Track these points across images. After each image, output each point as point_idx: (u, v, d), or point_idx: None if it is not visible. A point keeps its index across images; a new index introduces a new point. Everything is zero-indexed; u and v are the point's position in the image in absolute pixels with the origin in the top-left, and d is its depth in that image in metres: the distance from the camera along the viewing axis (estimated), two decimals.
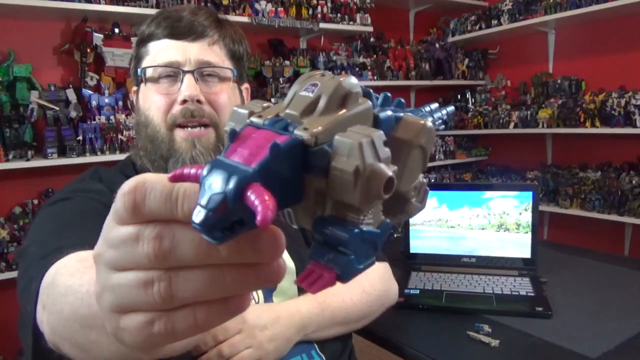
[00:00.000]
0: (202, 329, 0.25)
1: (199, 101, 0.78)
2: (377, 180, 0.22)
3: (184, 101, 0.77)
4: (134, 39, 2.24)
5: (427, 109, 0.35)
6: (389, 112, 0.26)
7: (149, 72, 0.80)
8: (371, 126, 0.24)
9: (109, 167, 0.88)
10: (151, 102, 0.80)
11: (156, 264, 0.24)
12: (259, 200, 0.20)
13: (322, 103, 0.24)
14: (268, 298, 0.83)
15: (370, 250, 0.23)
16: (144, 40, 0.82)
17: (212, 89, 0.80)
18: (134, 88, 0.87)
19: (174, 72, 0.79)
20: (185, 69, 0.78)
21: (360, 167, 0.21)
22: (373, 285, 0.93)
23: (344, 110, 0.24)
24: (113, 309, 0.26)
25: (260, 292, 0.83)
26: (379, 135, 0.22)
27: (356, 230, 0.22)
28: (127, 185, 0.24)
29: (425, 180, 0.28)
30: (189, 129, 0.78)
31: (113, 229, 0.25)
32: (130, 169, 0.86)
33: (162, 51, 0.80)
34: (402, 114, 0.26)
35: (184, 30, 0.79)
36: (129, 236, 0.24)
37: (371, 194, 0.22)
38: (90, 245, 0.37)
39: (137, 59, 0.84)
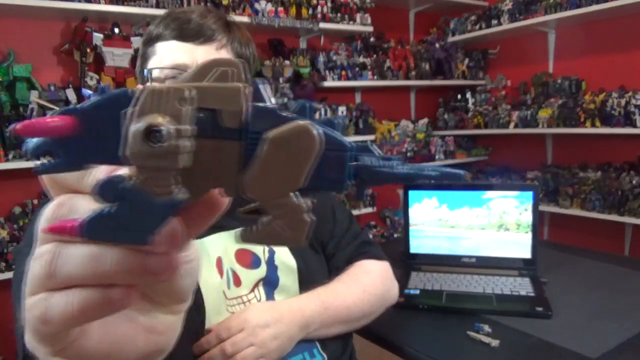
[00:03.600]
0: (76, 319, 0.22)
1: None
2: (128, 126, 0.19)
3: None
4: (134, 39, 2.25)
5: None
6: (283, 113, 0.21)
7: (155, 73, 0.80)
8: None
9: None
10: None
11: (49, 236, 0.23)
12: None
13: (186, 74, 0.22)
14: (270, 296, 0.83)
15: (139, 220, 0.19)
16: (151, 40, 0.82)
17: None
18: (139, 87, 0.86)
19: (180, 75, 0.79)
20: None
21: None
22: (374, 284, 0.93)
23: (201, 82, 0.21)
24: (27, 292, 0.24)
25: (262, 289, 0.83)
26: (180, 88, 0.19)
27: (110, 180, 0.19)
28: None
29: (306, 204, 0.21)
30: None
31: None
32: None
33: (169, 53, 0.79)
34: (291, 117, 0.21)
35: (193, 32, 0.79)
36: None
37: (133, 145, 0.19)
38: None
39: (144, 58, 0.83)
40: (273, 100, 0.22)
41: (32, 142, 0.21)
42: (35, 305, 0.23)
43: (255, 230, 0.22)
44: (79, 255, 0.21)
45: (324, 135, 0.21)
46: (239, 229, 0.23)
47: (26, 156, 0.22)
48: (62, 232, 0.21)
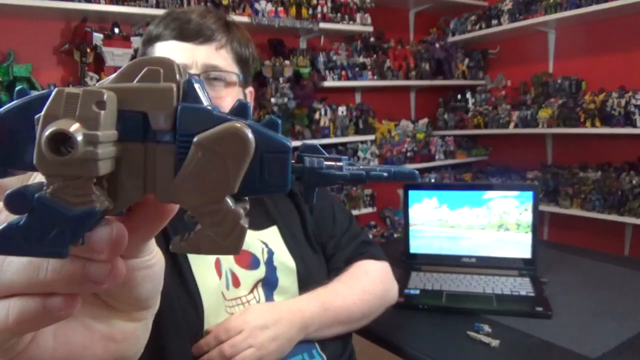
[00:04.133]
0: (14, 329, 0.21)
1: None
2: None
3: None
4: (133, 39, 2.25)
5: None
6: (217, 114, 0.20)
7: None
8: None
9: None
10: None
11: None
12: None
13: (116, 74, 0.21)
14: (269, 297, 0.83)
15: (47, 230, 0.18)
16: (151, 40, 0.82)
17: (218, 93, 0.80)
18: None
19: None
20: (192, 71, 0.77)
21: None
22: (374, 285, 0.93)
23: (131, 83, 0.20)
24: None
25: (261, 290, 0.83)
26: (96, 92, 0.18)
27: (17, 191, 0.18)
28: None
29: (239, 210, 0.20)
30: None
31: None
32: None
33: (169, 53, 0.79)
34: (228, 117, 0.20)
35: (192, 32, 0.79)
36: None
37: (39, 153, 0.18)
38: None
39: None
40: (207, 100, 0.21)
41: None
42: None
43: (186, 239, 0.20)
44: (17, 263, 0.20)
45: (263, 136, 0.20)
46: (176, 237, 0.21)
47: None
48: None
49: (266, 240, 0.86)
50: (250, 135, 0.19)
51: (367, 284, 0.91)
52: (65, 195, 0.18)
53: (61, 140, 0.17)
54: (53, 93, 0.18)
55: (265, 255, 0.85)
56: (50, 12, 2.09)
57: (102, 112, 0.18)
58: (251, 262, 0.83)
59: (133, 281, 0.24)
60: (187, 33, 0.79)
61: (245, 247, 0.83)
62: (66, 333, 0.24)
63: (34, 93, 0.20)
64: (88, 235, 0.19)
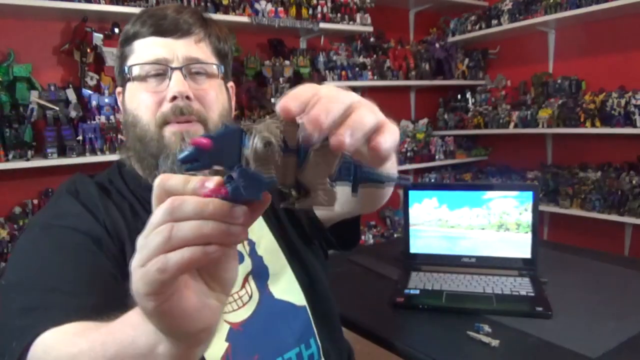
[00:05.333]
0: (188, 266, 0.36)
1: (188, 98, 0.76)
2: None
3: (174, 98, 0.76)
4: None
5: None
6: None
7: (136, 70, 0.78)
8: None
9: (103, 168, 0.88)
10: (139, 101, 0.78)
11: (166, 217, 0.36)
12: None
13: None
14: (263, 289, 0.82)
15: (255, 186, 0.34)
16: (128, 39, 0.81)
17: (201, 85, 0.80)
18: (119, 89, 0.85)
19: (162, 70, 0.77)
20: (173, 65, 0.77)
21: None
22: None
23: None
24: (137, 265, 0.37)
25: (252, 283, 0.82)
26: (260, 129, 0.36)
27: (243, 169, 0.34)
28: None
29: (335, 188, 0.37)
30: (178, 124, 0.78)
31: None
32: (115, 173, 0.85)
33: (148, 49, 0.79)
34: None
35: (170, 27, 0.79)
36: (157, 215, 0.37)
37: (254, 153, 0.35)
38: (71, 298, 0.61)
39: (122, 58, 0.82)
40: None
41: (183, 153, 0.34)
42: (154, 264, 0.36)
43: (299, 200, 0.37)
44: (188, 226, 0.36)
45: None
46: (289, 199, 0.38)
47: (176, 164, 0.36)
48: (217, 193, 0.35)
49: None
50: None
51: None
52: (263, 171, 0.35)
53: (267, 143, 0.34)
54: (259, 124, 0.36)
55: (247, 247, 0.84)
56: (50, 12, 2.09)
57: (280, 134, 0.35)
58: None
59: (229, 257, 0.41)
60: (165, 28, 0.78)
61: None
62: (189, 296, 0.39)
63: (230, 125, 0.36)
64: (233, 208, 0.36)
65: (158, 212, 0.37)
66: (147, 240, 0.37)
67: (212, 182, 0.36)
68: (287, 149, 0.36)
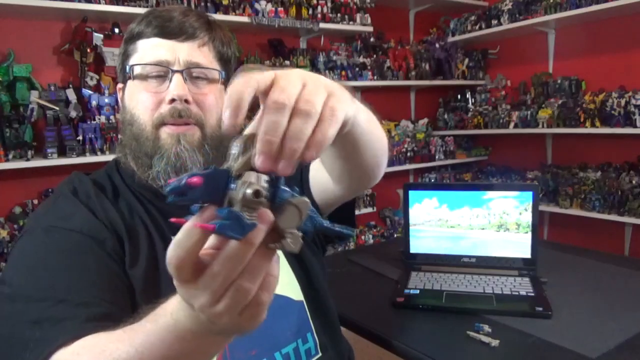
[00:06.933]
0: (243, 297, 0.40)
1: (186, 101, 0.77)
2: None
3: (172, 100, 0.76)
4: None
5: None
6: (290, 191, 0.42)
7: (137, 70, 0.79)
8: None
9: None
10: (138, 100, 0.79)
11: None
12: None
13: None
14: None
15: (238, 226, 0.37)
16: (133, 38, 0.82)
17: (201, 89, 0.80)
18: (119, 86, 0.86)
19: (163, 72, 0.78)
20: (175, 68, 0.78)
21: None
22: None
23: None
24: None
25: None
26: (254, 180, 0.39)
27: (229, 210, 0.37)
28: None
29: (300, 234, 0.41)
30: (175, 126, 0.78)
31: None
32: (113, 170, 0.85)
33: (151, 49, 0.79)
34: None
35: (175, 30, 0.79)
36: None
37: (243, 199, 0.38)
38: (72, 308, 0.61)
39: (125, 56, 0.83)
40: (288, 187, 0.42)
41: (172, 185, 0.37)
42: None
43: (281, 244, 0.41)
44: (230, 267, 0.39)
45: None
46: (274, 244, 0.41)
47: (167, 193, 0.38)
48: (207, 229, 0.37)
49: None
50: (309, 203, 0.41)
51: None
52: (247, 214, 0.37)
53: (257, 193, 0.38)
54: (252, 173, 0.39)
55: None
56: (50, 12, 2.09)
57: (267, 185, 0.39)
58: None
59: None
60: (170, 30, 0.79)
61: None
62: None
63: (217, 168, 0.39)
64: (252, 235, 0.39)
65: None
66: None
67: (204, 219, 0.39)
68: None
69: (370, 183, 0.81)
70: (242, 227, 0.37)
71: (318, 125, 0.40)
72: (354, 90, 3.25)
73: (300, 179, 0.88)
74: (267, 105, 0.40)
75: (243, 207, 0.37)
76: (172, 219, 0.39)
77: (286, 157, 0.39)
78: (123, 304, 0.67)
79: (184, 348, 0.46)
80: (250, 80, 0.40)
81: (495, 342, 0.98)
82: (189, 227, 0.38)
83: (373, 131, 0.69)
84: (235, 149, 0.41)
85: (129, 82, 0.81)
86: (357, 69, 3.02)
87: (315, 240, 0.94)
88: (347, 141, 0.63)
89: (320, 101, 0.41)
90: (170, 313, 0.46)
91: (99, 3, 2.11)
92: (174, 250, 0.38)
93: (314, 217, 0.44)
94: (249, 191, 0.37)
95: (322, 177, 0.83)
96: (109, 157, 2.10)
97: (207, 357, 0.51)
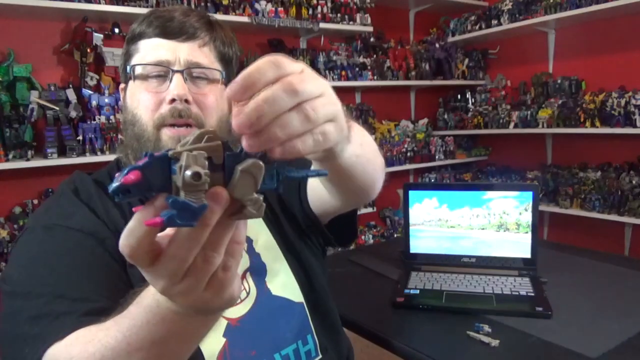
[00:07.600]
0: (203, 274, 0.39)
1: (187, 101, 0.77)
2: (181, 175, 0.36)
3: (172, 100, 0.76)
4: None
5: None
6: (242, 154, 0.39)
7: (138, 70, 0.80)
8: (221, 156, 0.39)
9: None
10: (139, 100, 0.79)
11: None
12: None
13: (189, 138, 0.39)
14: (261, 285, 0.83)
15: (188, 213, 0.35)
16: (134, 38, 0.82)
17: (201, 90, 0.80)
18: (122, 86, 0.86)
19: (164, 72, 0.78)
20: (175, 68, 0.78)
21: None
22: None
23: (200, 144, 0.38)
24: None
25: (250, 280, 0.82)
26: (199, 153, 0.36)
27: (174, 199, 0.35)
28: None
29: (261, 197, 0.39)
30: (176, 127, 0.78)
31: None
32: (115, 170, 0.86)
33: (152, 49, 0.79)
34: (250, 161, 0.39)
35: (176, 30, 0.79)
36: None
37: (183, 185, 0.36)
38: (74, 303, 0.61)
39: (127, 56, 0.83)
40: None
41: (113, 186, 0.35)
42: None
43: (238, 213, 0.40)
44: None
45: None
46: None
47: (111, 194, 0.36)
48: (155, 225, 0.36)
49: None
50: (262, 165, 0.39)
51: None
52: (192, 199, 0.35)
53: (196, 175, 0.35)
54: (185, 155, 0.35)
55: (245, 244, 0.84)
56: (50, 12, 2.09)
57: (206, 162, 0.36)
58: None
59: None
60: (171, 30, 0.79)
61: None
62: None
63: (156, 154, 0.36)
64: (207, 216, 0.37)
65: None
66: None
67: (155, 208, 0.37)
68: (212, 166, 0.38)
69: (367, 200, 0.82)
70: (192, 213, 0.35)
71: (305, 134, 0.40)
72: (354, 90, 3.26)
73: (298, 188, 0.89)
74: (283, 82, 0.38)
75: (187, 192, 0.35)
76: (134, 208, 0.38)
77: (262, 136, 0.38)
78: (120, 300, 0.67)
79: (169, 330, 0.46)
80: (281, 61, 0.39)
81: (495, 342, 0.98)
82: (139, 216, 0.37)
83: (366, 155, 0.68)
84: (190, 136, 0.38)
85: (131, 83, 0.81)
86: (357, 69, 3.02)
87: (315, 241, 0.94)
88: (340, 170, 0.62)
89: (324, 118, 0.41)
90: (152, 294, 0.46)
91: (99, 3, 2.11)
92: (126, 239, 0.37)
93: (279, 171, 0.41)
94: (187, 174, 0.35)
95: (319, 189, 0.82)
96: (109, 157, 2.10)
97: (195, 340, 0.51)
